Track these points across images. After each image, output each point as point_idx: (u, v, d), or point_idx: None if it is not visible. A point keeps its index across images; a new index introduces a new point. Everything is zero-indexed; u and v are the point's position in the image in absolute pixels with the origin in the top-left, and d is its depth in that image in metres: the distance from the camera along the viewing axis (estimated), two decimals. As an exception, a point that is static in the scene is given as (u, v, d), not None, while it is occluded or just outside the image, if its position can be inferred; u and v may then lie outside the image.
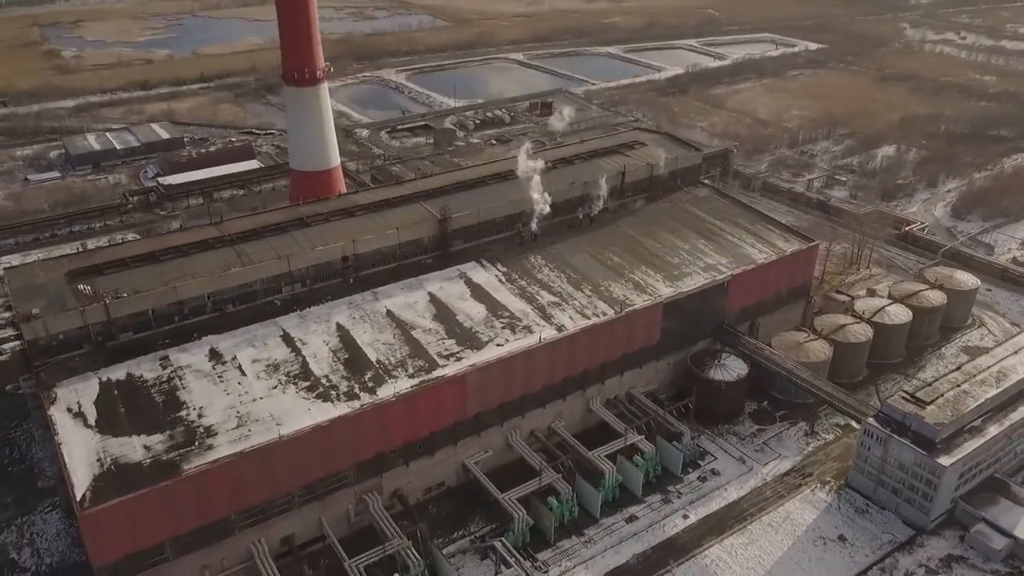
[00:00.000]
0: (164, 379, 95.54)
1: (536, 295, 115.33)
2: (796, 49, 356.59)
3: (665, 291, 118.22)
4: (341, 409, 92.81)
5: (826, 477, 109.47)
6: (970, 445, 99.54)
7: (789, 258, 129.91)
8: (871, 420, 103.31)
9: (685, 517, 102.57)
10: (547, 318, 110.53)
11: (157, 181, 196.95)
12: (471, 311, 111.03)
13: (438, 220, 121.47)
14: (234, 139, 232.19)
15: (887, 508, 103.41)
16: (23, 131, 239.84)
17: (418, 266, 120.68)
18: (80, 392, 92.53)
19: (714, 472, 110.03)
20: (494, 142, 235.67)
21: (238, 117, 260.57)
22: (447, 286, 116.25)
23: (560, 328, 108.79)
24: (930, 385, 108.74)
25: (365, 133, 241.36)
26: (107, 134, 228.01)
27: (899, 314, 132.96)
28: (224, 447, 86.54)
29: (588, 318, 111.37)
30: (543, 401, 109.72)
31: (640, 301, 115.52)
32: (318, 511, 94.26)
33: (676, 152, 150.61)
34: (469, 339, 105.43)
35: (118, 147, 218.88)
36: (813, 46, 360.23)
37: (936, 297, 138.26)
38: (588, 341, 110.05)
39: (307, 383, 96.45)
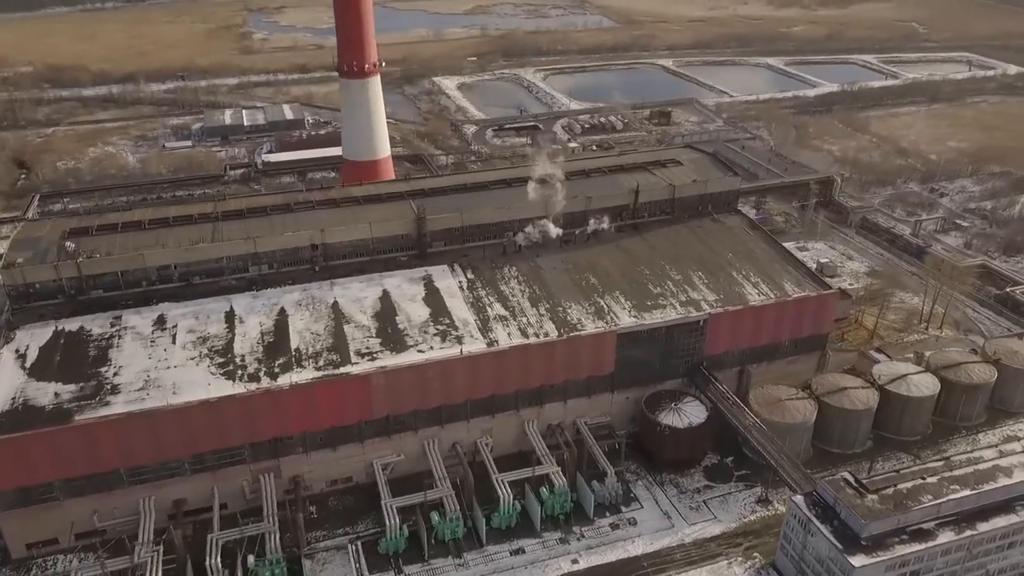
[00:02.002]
0: (106, 336, 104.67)
1: (488, 306, 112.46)
2: (991, 72, 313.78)
3: (626, 320, 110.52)
4: (237, 389, 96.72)
5: (754, 553, 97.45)
6: (905, 549, 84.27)
7: (792, 304, 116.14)
8: (798, 499, 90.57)
9: (574, 562, 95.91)
10: (485, 332, 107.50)
11: (260, 157, 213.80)
12: (414, 314, 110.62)
13: (414, 219, 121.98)
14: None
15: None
16: (183, 103, 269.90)
17: (391, 262, 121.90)
18: (34, 337, 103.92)
19: (631, 522, 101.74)
20: (595, 148, 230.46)
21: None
22: (405, 286, 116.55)
23: (492, 343, 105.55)
24: (898, 472, 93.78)
25: (473, 129, 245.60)
26: (242, 111, 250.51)
27: (924, 385, 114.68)
28: (119, 406, 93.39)
29: (527, 337, 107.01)
30: (466, 415, 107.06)
31: (592, 327, 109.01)
32: (211, 482, 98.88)
33: (713, 175, 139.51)
34: (394, 341, 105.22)
35: (246, 123, 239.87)
36: (1014, 70, 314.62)
37: (982, 373, 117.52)
38: (520, 361, 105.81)
39: (222, 359, 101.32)
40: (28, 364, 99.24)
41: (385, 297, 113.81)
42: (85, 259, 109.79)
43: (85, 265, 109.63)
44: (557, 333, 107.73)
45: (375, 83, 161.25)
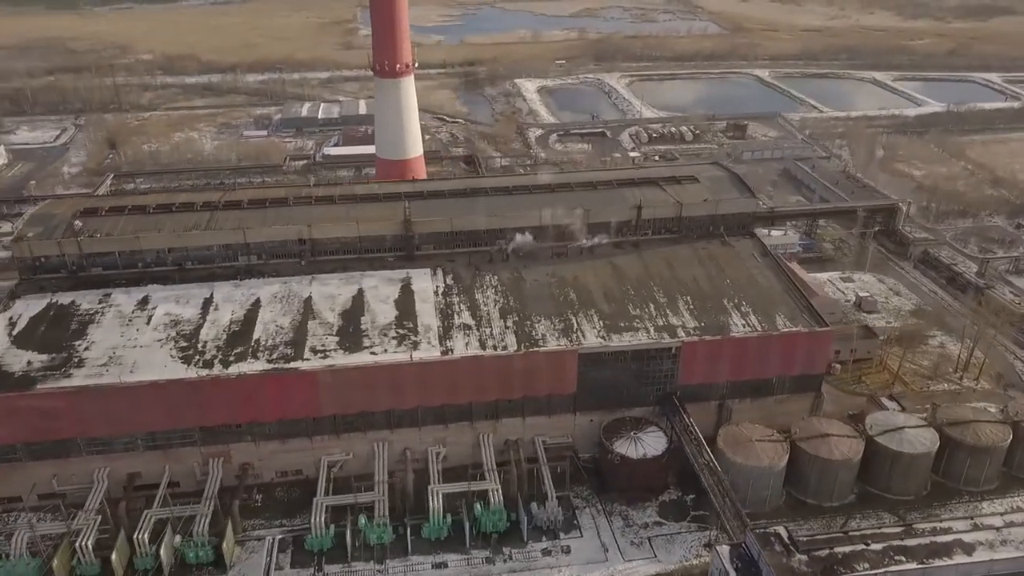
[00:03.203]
0: (91, 312, 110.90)
1: (456, 314, 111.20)
2: None
3: (592, 341, 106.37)
4: (189, 373, 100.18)
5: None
6: (824, 621, 76.62)
7: (779, 340, 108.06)
8: (722, 548, 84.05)
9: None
10: (444, 339, 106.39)
11: (323, 150, 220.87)
12: (380, 315, 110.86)
13: (401, 221, 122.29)
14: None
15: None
16: (272, 94, 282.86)
17: (376, 262, 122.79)
18: (29, 307, 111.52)
19: (564, 549, 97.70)
20: (657, 158, 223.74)
21: (446, 103, 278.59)
22: (382, 286, 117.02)
23: (447, 352, 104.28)
24: (845, 533, 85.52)
25: (538, 133, 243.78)
26: (320, 104, 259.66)
27: (920, 441, 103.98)
28: (78, 379, 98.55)
29: (485, 349, 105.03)
30: (417, 422, 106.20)
31: (554, 344, 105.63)
32: (163, 460, 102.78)
33: (731, 195, 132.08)
34: (351, 341, 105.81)
35: (320, 117, 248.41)
36: None
37: (993, 434, 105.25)
38: (473, 372, 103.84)
39: (185, 344, 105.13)
40: (15, 332, 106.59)
41: (358, 296, 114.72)
42: (86, 238, 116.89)
43: (85, 243, 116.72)
44: (516, 347, 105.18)
45: (407, 83, 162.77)
